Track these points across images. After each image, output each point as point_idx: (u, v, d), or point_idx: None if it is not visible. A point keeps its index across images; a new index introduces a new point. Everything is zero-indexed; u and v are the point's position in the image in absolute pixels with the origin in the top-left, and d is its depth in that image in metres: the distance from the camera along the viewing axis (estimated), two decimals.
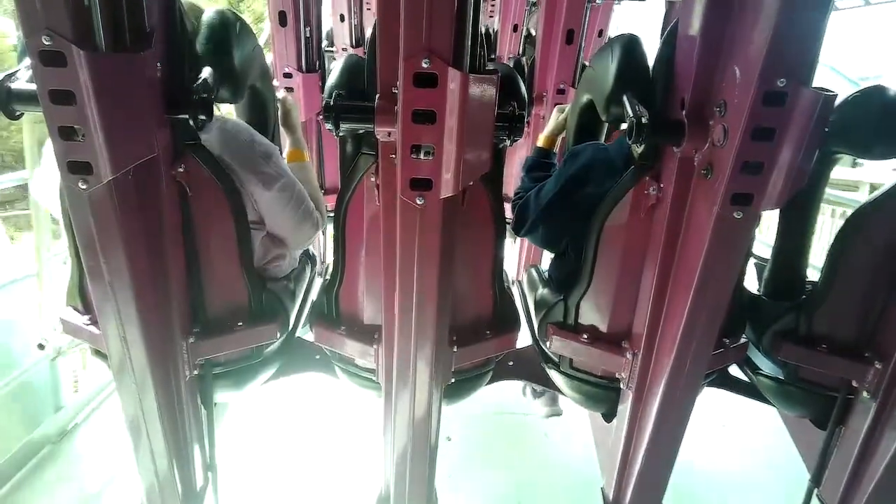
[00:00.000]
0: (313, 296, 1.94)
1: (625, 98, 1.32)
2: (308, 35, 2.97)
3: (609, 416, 1.75)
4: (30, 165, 2.88)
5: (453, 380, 1.58)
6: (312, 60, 3.05)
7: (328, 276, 1.63)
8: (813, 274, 1.76)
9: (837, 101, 1.47)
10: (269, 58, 3.16)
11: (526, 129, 3.29)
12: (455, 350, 1.53)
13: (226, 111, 1.93)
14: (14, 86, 1.14)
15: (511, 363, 1.94)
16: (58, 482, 2.79)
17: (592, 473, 1.93)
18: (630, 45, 1.44)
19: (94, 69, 1.02)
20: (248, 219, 1.51)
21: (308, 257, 1.99)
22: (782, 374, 1.72)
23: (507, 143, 1.31)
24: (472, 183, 1.21)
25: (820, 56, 1.12)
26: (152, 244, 1.34)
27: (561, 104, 3.08)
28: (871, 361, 1.56)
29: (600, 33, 3.63)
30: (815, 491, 1.78)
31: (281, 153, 1.81)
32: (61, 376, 3.09)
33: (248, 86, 1.55)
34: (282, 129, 1.87)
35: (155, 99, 1.18)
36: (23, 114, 1.19)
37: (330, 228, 1.62)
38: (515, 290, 1.99)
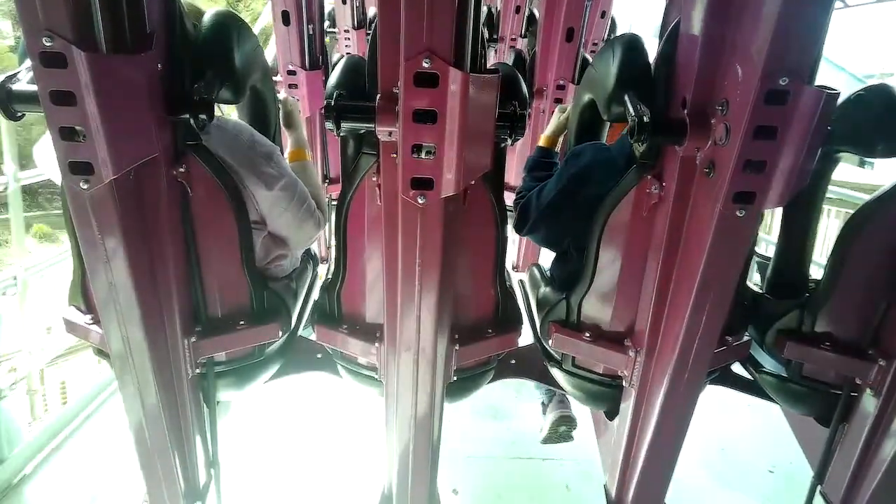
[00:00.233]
0: (315, 295, 1.94)
1: (626, 97, 1.31)
2: (311, 32, 2.98)
3: (611, 414, 1.75)
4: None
5: (455, 378, 1.58)
6: (316, 57, 3.06)
7: (329, 276, 1.64)
8: (815, 272, 1.76)
9: (840, 99, 1.48)
10: (269, 53, 3.18)
11: (527, 120, 3.30)
12: (457, 348, 1.53)
13: (227, 111, 1.93)
14: (15, 87, 1.15)
15: (513, 361, 1.95)
16: None
17: None
18: (631, 45, 1.43)
19: (95, 70, 1.02)
20: (250, 219, 1.52)
21: (310, 256, 1.99)
22: (785, 372, 1.72)
23: (509, 142, 1.31)
24: (473, 182, 1.22)
25: (822, 54, 1.11)
26: (154, 244, 1.35)
27: (560, 99, 3.10)
28: (874, 359, 1.56)
29: (603, 14, 3.64)
30: (819, 488, 1.77)
31: (282, 153, 1.81)
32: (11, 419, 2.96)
33: (249, 86, 1.55)
34: (283, 129, 1.87)
35: (156, 100, 1.18)
36: (23, 114, 1.20)
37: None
38: (517, 289, 1.99)
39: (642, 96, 1.31)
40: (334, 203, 1.62)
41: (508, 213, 1.57)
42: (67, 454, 2.97)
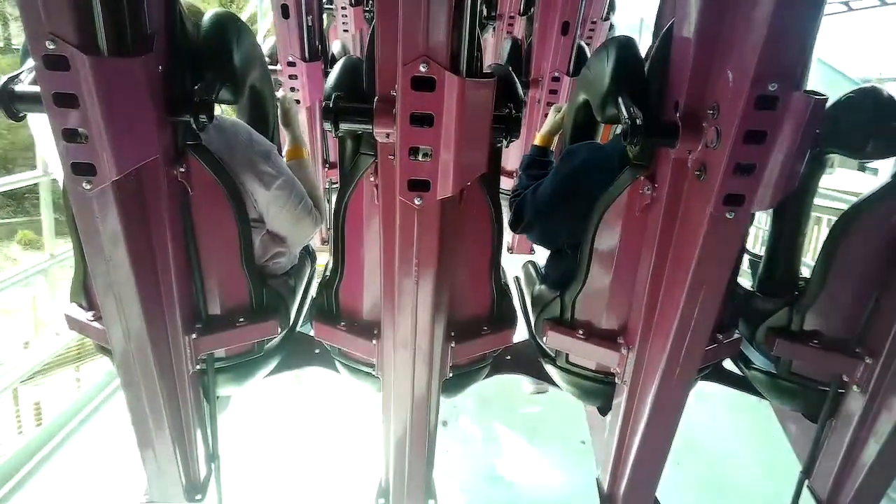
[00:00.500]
0: (313, 291, 1.97)
1: (620, 99, 1.34)
2: (310, 24, 2.99)
3: (604, 409, 1.78)
4: None
5: (451, 375, 1.61)
6: (315, 48, 3.07)
7: (328, 273, 1.66)
8: (806, 271, 1.79)
9: (830, 102, 1.51)
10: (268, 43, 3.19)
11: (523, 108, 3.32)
12: (453, 346, 1.56)
13: (226, 109, 1.95)
14: (17, 88, 1.16)
15: (509, 357, 1.98)
16: None
17: None
18: (625, 48, 1.45)
19: (97, 73, 1.04)
20: (249, 217, 1.53)
21: (307, 252, 2.01)
22: (775, 369, 1.75)
23: (504, 143, 1.33)
24: (469, 182, 1.24)
25: (812, 60, 1.14)
26: (154, 243, 1.37)
27: (555, 90, 3.12)
28: (861, 357, 1.59)
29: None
30: (806, 482, 1.81)
31: (281, 151, 1.83)
32: None
33: (248, 86, 1.57)
34: (281, 128, 1.89)
35: (157, 101, 1.20)
36: (25, 115, 1.21)
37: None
38: (512, 285, 2.02)
39: (636, 98, 1.33)
40: (335, 186, 1.64)
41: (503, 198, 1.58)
42: (41, 480, 2.89)
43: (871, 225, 1.50)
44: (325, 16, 3.40)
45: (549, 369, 1.82)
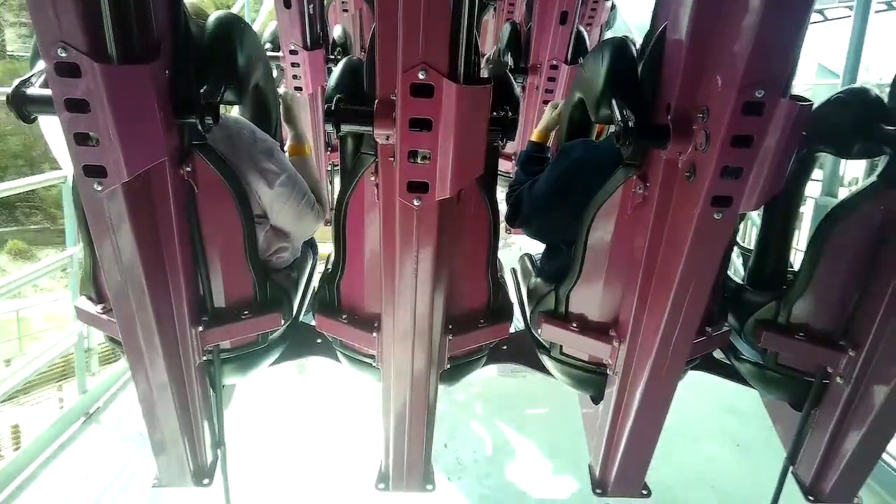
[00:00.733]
0: (315, 281, 2.02)
1: (613, 101, 1.37)
2: (311, 12, 3.01)
3: (597, 398, 1.84)
4: None
5: (449, 365, 1.67)
6: (316, 35, 3.10)
7: (329, 267, 1.71)
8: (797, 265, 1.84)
9: (820, 102, 1.54)
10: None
11: (521, 93, 3.36)
12: (451, 338, 1.61)
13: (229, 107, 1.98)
14: (29, 91, 1.20)
15: (505, 347, 2.03)
16: None
17: None
18: (620, 50, 1.49)
19: (107, 80, 1.07)
20: (253, 213, 1.58)
21: (309, 244, 2.06)
22: (762, 360, 1.81)
23: (501, 144, 1.37)
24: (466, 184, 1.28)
25: (798, 67, 1.17)
26: (162, 239, 1.42)
27: (553, 78, 3.15)
28: (844, 349, 1.64)
29: None
30: (791, 469, 1.88)
31: (283, 147, 1.87)
32: None
33: (252, 85, 1.60)
34: (284, 124, 1.93)
35: (164, 105, 1.24)
36: (37, 117, 1.25)
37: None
38: (508, 276, 2.07)
39: (628, 100, 1.37)
40: (337, 168, 1.68)
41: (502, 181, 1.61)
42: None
43: (856, 223, 1.55)
44: (327, 29, 3.42)
45: (544, 359, 1.88)
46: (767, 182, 1.21)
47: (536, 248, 2.04)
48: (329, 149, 3.45)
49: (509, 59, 3.17)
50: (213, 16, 1.44)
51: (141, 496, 2.79)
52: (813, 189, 3.81)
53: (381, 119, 1.19)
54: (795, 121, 1.14)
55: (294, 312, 1.82)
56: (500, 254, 1.74)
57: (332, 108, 1.25)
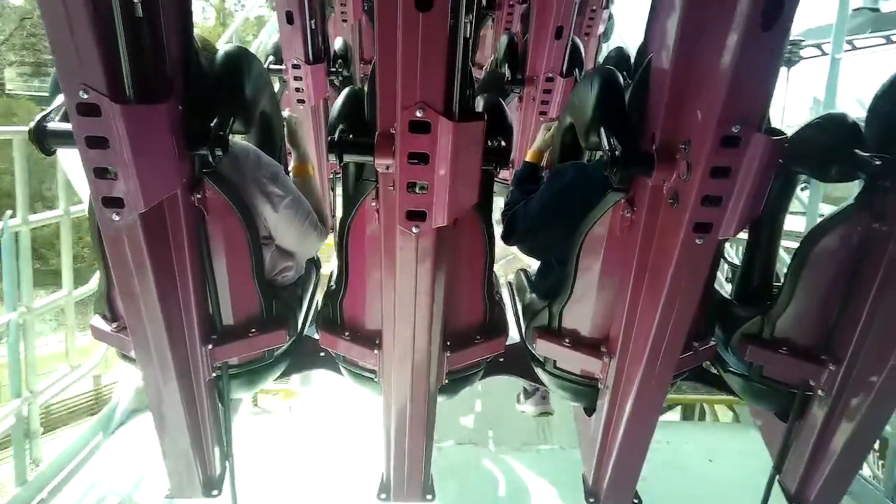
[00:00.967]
0: (318, 296, 2.09)
1: (602, 130, 1.45)
2: (313, 28, 3.08)
3: (589, 410, 1.91)
4: None
5: (447, 380, 1.74)
6: (318, 49, 3.17)
7: (332, 284, 1.78)
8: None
9: (800, 126, 1.62)
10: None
11: (518, 103, 3.43)
12: (448, 354, 1.68)
13: None
14: (50, 126, 1.28)
15: (502, 360, 2.10)
16: None
17: None
18: (608, 80, 1.56)
19: (125, 119, 1.15)
20: (260, 235, 1.65)
21: (312, 261, 2.13)
22: (748, 372, 1.88)
23: (496, 171, 1.44)
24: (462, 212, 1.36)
25: (771, 105, 1.25)
26: (175, 263, 1.50)
27: (549, 90, 3.23)
28: (826, 364, 1.71)
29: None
30: (777, 477, 1.94)
31: (287, 166, 1.94)
32: None
33: (258, 114, 1.68)
34: (288, 146, 2.00)
35: (178, 139, 1.31)
36: (55, 150, 1.33)
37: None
38: (505, 290, 2.15)
39: (616, 129, 1.45)
40: (339, 176, 1.75)
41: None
42: None
43: (835, 243, 1.62)
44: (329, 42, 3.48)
45: (539, 372, 1.95)
46: (746, 209, 1.29)
47: (534, 261, 2.11)
48: (330, 159, 3.51)
49: (506, 71, 3.24)
50: (222, 51, 1.52)
51: None
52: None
53: (381, 150, 1.26)
54: (771, 152, 1.22)
55: (299, 329, 1.89)
56: (499, 266, 1.82)
57: (336, 139, 1.32)
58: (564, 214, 1.69)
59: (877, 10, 11.66)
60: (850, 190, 1.75)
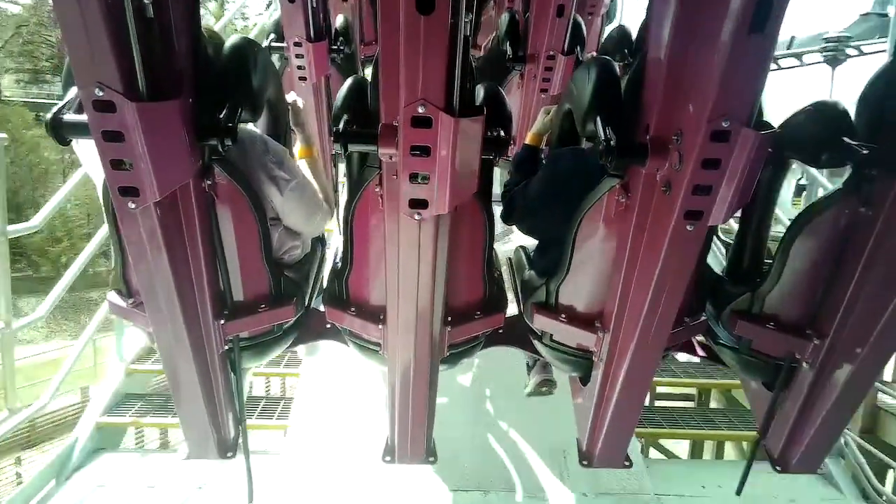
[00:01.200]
0: (325, 270, 2.17)
1: (598, 120, 1.49)
2: (314, 6, 3.06)
3: (584, 380, 2.00)
4: None
5: (448, 353, 1.83)
6: (320, 27, 3.15)
7: (338, 262, 1.86)
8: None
9: (793, 113, 1.66)
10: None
11: (519, 80, 3.43)
12: (449, 329, 1.77)
13: None
14: (66, 117, 1.33)
15: (501, 331, 2.19)
16: None
17: None
18: (605, 71, 1.59)
19: (139, 115, 1.20)
20: (268, 217, 1.72)
21: (317, 238, 2.20)
22: (738, 346, 1.96)
23: (496, 159, 1.49)
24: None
25: (761, 99, 1.29)
26: (188, 244, 1.57)
27: (550, 67, 3.22)
28: (811, 338, 1.79)
29: None
30: (762, 442, 2.06)
31: (292, 149, 1.99)
32: None
33: (265, 102, 1.72)
34: (294, 129, 2.04)
35: (189, 131, 1.37)
36: (71, 140, 1.39)
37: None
38: (504, 266, 2.22)
39: (612, 119, 1.49)
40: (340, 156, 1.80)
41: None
42: None
43: (822, 225, 1.68)
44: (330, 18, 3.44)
45: (537, 345, 2.04)
46: (735, 198, 1.34)
47: (532, 241, 2.17)
48: (332, 137, 3.51)
49: (508, 48, 3.23)
50: (229, 43, 1.55)
51: None
52: None
53: (384, 141, 1.31)
54: (759, 146, 1.26)
55: (306, 303, 1.97)
56: (500, 246, 1.88)
57: (340, 130, 1.37)
58: (562, 198, 1.75)
59: (885, 15, 11.48)
60: None
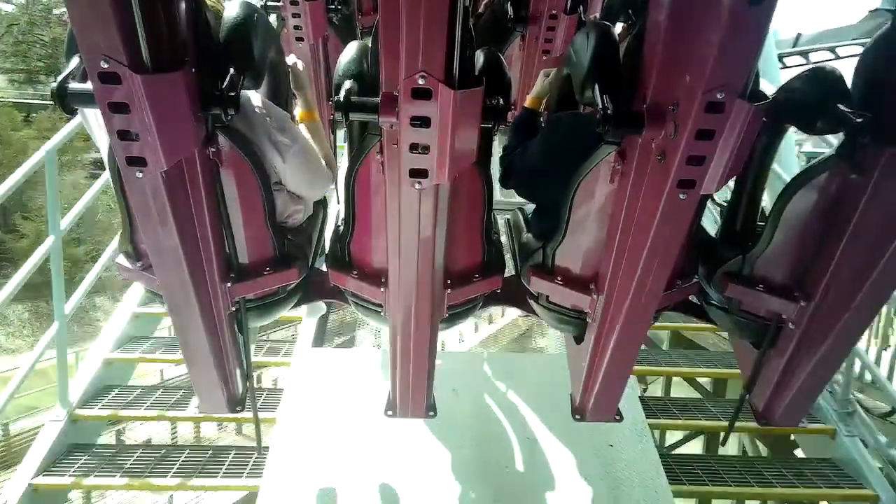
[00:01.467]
0: (327, 233, 2.21)
1: (595, 87, 1.51)
2: None
3: (578, 339, 2.08)
4: None
5: (448, 314, 1.90)
6: None
7: (340, 226, 1.90)
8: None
9: (789, 78, 1.67)
10: None
11: (521, 42, 3.39)
12: (449, 291, 1.83)
13: None
14: (71, 86, 1.35)
15: (498, 291, 2.26)
16: None
17: None
18: (604, 37, 1.59)
19: (144, 86, 1.22)
20: (271, 181, 1.75)
21: (319, 201, 2.23)
22: (728, 306, 2.03)
23: (495, 128, 1.52)
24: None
25: (756, 71, 1.31)
26: (194, 210, 1.61)
27: (552, 27, 3.18)
28: (798, 300, 1.85)
29: None
30: (747, 397, 2.15)
31: (293, 113, 2.00)
32: None
33: (267, 67, 1.72)
34: (294, 92, 2.05)
35: (193, 101, 1.38)
36: (76, 109, 1.41)
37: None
38: (503, 228, 2.27)
39: (610, 86, 1.50)
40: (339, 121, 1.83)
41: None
42: None
43: (813, 191, 1.71)
44: None
45: (533, 305, 2.11)
46: (727, 168, 1.37)
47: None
48: (331, 100, 3.47)
49: (509, 9, 3.18)
50: (229, 11, 1.54)
51: None
52: None
53: (385, 110, 1.33)
54: (753, 118, 1.29)
55: (309, 266, 2.03)
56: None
57: (341, 99, 1.39)
58: (560, 162, 1.77)
59: (894, 11, 11.05)
60: None
